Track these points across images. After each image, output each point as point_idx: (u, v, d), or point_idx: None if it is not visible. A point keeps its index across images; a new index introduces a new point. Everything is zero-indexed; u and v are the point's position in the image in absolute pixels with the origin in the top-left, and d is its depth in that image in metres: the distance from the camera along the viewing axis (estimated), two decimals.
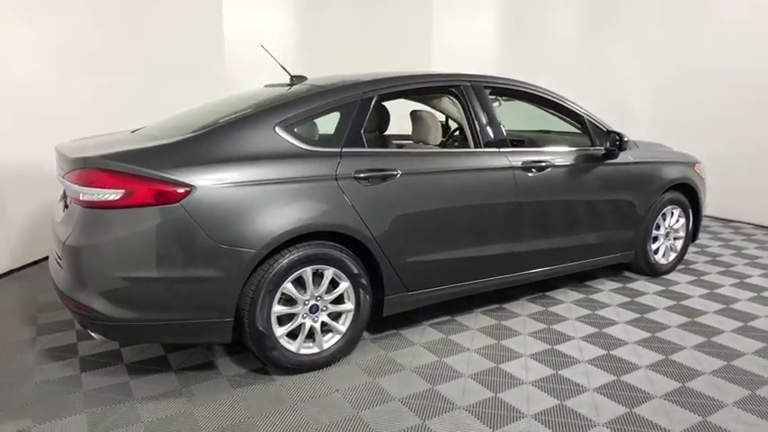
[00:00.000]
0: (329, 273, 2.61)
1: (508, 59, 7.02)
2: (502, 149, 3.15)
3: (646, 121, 6.44)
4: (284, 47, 6.20)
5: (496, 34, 7.24)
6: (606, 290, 3.81)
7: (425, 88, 3.13)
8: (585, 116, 3.61)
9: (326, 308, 2.66)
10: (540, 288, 3.78)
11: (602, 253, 3.69)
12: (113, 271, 2.26)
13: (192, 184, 2.29)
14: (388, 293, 2.83)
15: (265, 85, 3.38)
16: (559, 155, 3.40)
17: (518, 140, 4.20)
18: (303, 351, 2.62)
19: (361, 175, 2.65)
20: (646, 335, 3.09)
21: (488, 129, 3.15)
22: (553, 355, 2.83)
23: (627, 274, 4.13)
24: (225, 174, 2.36)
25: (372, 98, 2.83)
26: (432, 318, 3.29)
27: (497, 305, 3.51)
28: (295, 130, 2.60)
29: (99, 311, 2.28)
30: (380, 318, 2.91)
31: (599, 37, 6.68)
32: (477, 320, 3.28)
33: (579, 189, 3.43)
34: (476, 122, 3.12)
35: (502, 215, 3.12)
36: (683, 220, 4.11)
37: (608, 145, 3.50)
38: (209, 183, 2.32)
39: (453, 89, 3.14)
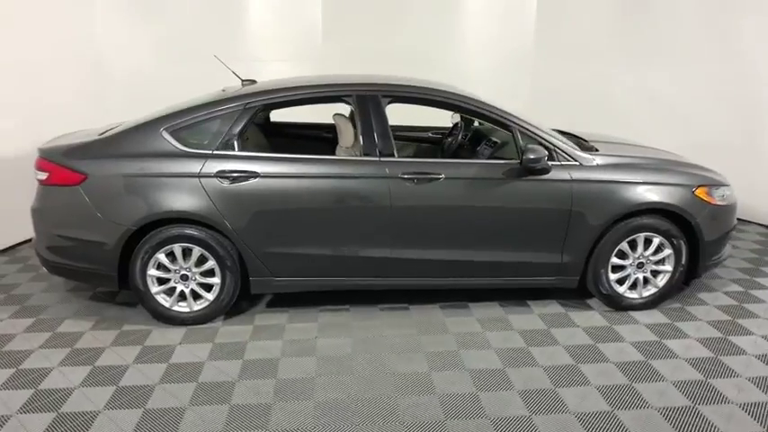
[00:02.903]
0: (196, 251, 3.24)
1: (623, 44, 6.15)
2: (382, 159, 3.25)
3: None
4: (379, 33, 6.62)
5: (609, 17, 6.34)
6: (536, 313, 3.54)
7: (313, 98, 3.38)
8: (517, 127, 3.36)
9: (195, 278, 3.31)
10: (470, 297, 3.71)
11: (521, 274, 3.45)
12: (47, 229, 3.30)
13: (87, 172, 3.15)
14: (253, 275, 3.33)
15: (222, 89, 3.98)
16: (460, 167, 3.31)
17: (493, 142, 4.04)
18: (176, 308, 3.33)
19: (222, 174, 3.16)
20: (488, 367, 2.93)
21: (374, 138, 3.27)
22: (363, 363, 2.99)
23: (589, 301, 3.70)
24: (113, 167, 3.16)
25: (254, 108, 3.27)
26: (330, 304, 3.63)
27: (405, 305, 3.65)
28: (179, 134, 3.23)
29: (43, 256, 3.37)
30: (272, 295, 3.46)
31: (728, 17, 5.39)
32: (365, 315, 3.51)
33: (481, 203, 3.28)
34: (363, 130, 3.27)
35: (372, 221, 3.25)
36: (668, 252, 3.47)
37: (521, 162, 3.23)
38: (100, 173, 3.15)
39: (346, 98, 3.33)
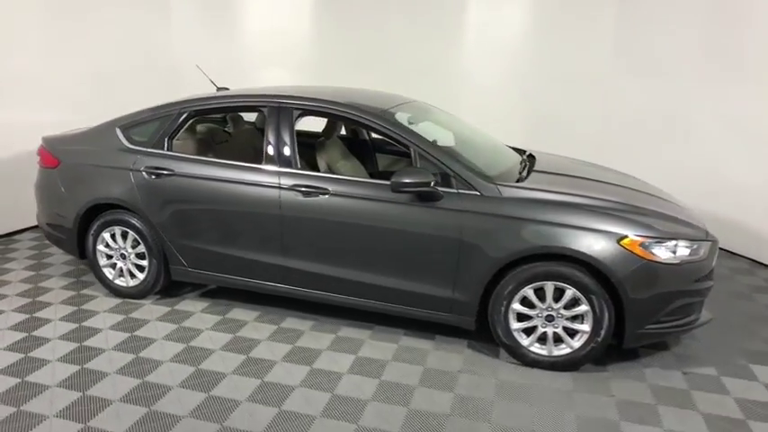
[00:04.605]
0: (131, 235, 3.73)
1: (706, 62, 5.15)
2: (280, 168, 3.34)
3: None
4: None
5: (694, 31, 5.30)
6: (428, 348, 3.29)
7: (234, 107, 3.60)
8: (416, 148, 3.17)
9: (131, 259, 3.80)
10: (381, 320, 3.59)
11: (411, 304, 3.23)
12: (43, 203, 4.08)
13: (60, 159, 3.84)
14: (171, 264, 3.70)
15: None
16: (346, 183, 3.25)
17: None
18: (117, 282, 3.87)
19: (148, 170, 3.59)
20: (280, 381, 2.86)
21: (279, 147, 3.38)
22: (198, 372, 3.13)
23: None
24: (76, 156, 3.82)
25: (185, 113, 3.63)
26: (252, 305, 3.84)
27: (312, 314, 3.68)
28: (128, 132, 3.75)
29: (41, 225, 4.18)
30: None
31: None
32: (269, 318, 3.65)
33: (364, 223, 3.17)
34: (269, 140, 3.41)
35: (266, 229, 3.37)
36: (584, 308, 2.94)
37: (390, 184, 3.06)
38: (68, 160, 3.83)
39: (262, 108, 3.50)
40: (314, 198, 3.26)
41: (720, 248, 5.17)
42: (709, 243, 3.06)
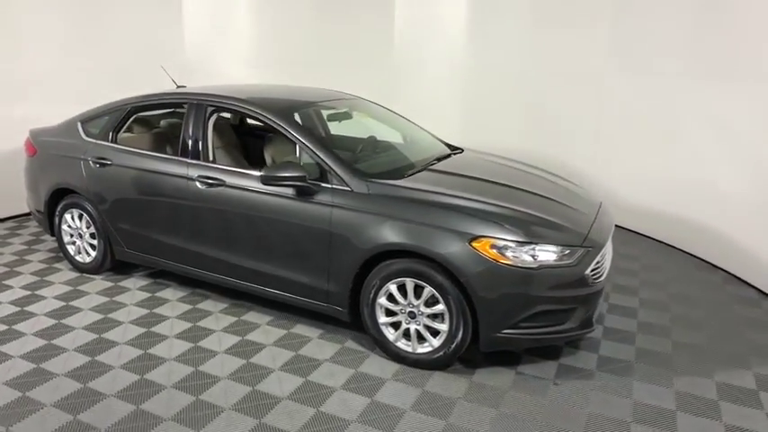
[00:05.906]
0: (85, 217, 4.21)
1: (697, 58, 4.73)
2: (190, 160, 3.63)
3: None
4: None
5: (687, 24, 4.84)
6: (310, 336, 3.42)
7: (166, 104, 3.95)
8: (300, 144, 3.32)
9: (85, 238, 4.28)
10: (283, 309, 3.78)
11: (297, 293, 3.39)
12: (29, 185, 4.70)
13: (37, 148, 4.41)
14: (114, 244, 4.13)
15: None
16: (238, 175, 3.46)
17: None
18: (78, 258, 4.37)
19: (93, 160, 4.03)
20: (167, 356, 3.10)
21: (191, 140, 3.67)
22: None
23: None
24: (49, 146, 4.36)
25: (127, 109, 4.04)
26: (184, 287, 4.18)
27: (230, 299, 3.93)
28: (86, 125, 4.23)
29: (32, 211, 4.79)
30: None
31: None
32: (179, 294, 3.96)
33: (252, 213, 3.38)
34: (186, 133, 3.71)
35: (178, 216, 3.68)
36: (441, 307, 2.94)
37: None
38: (42, 150, 4.39)
39: (184, 105, 3.80)
40: (213, 189, 3.52)
41: (701, 259, 4.78)
42: (584, 250, 2.91)
